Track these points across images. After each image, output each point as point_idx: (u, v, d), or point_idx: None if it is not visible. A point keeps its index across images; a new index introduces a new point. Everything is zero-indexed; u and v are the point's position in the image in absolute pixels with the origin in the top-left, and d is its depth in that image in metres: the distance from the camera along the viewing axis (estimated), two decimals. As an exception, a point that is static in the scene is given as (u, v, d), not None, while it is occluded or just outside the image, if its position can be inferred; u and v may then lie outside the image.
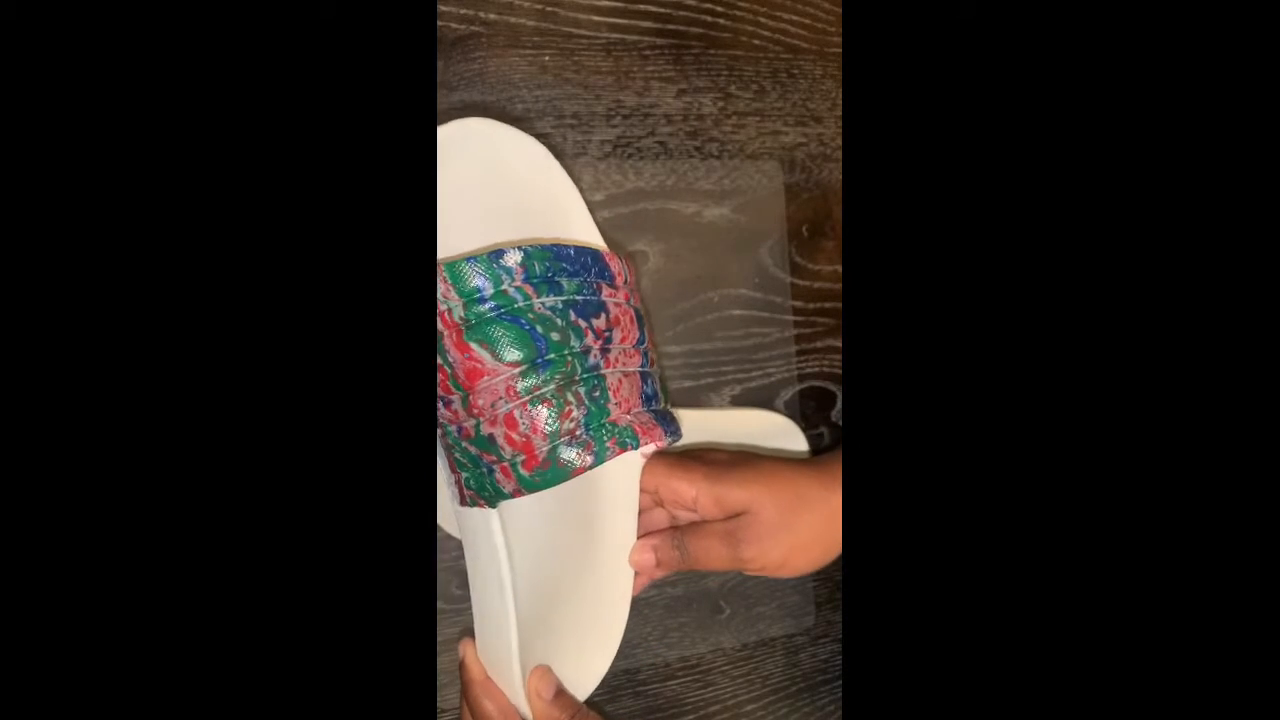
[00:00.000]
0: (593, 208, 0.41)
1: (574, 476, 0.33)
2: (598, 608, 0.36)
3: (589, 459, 0.33)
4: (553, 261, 0.33)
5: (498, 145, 0.35)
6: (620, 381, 0.34)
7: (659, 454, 0.36)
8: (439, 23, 0.39)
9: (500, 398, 0.32)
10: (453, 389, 0.33)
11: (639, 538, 0.36)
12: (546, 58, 0.41)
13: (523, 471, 0.33)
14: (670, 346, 0.44)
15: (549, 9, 0.41)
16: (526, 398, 0.32)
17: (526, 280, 0.32)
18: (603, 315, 0.34)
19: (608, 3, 0.42)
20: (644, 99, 0.43)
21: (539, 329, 0.32)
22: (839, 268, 0.47)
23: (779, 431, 0.45)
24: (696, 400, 0.45)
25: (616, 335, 0.34)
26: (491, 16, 0.40)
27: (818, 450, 0.47)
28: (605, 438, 0.33)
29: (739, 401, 0.46)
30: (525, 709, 0.34)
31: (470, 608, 0.37)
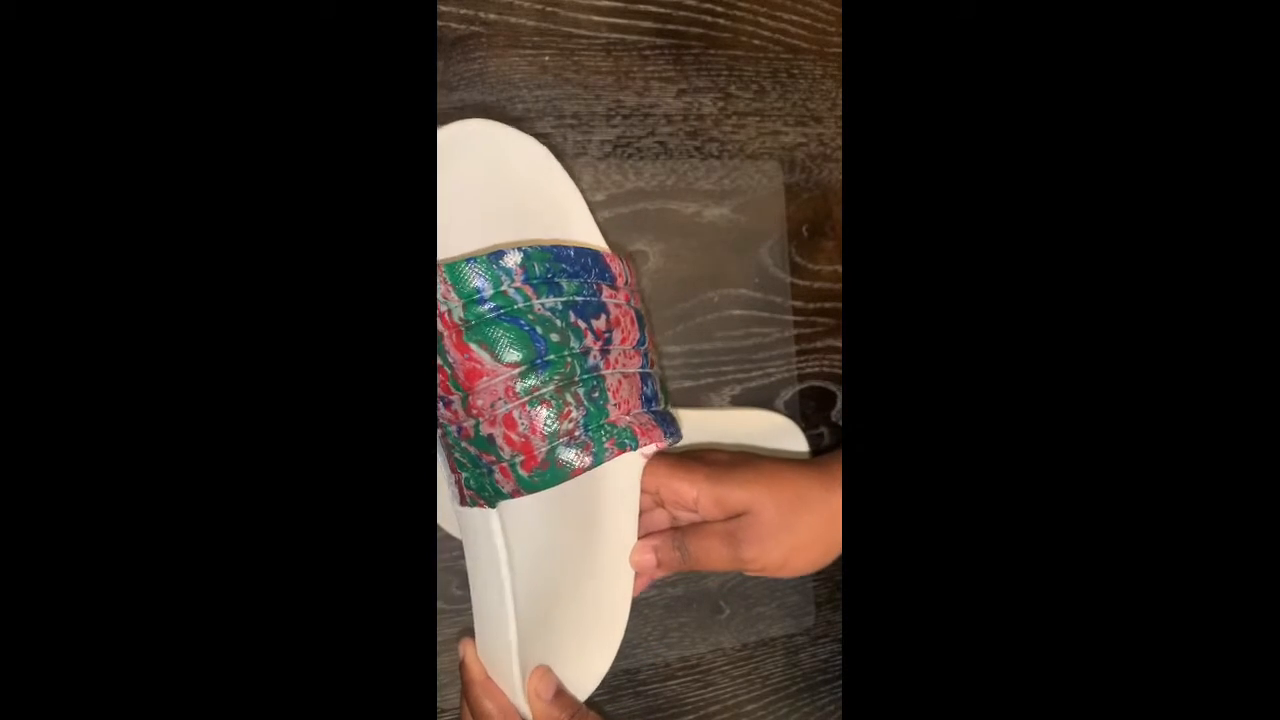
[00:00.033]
0: (593, 208, 0.41)
1: (573, 477, 0.33)
2: (598, 608, 0.36)
3: (588, 460, 0.33)
4: (553, 262, 0.33)
5: (498, 146, 0.35)
6: (620, 382, 0.34)
7: (660, 454, 0.36)
8: (439, 23, 0.39)
9: (499, 398, 0.32)
10: (453, 389, 0.33)
11: (640, 538, 0.36)
12: (546, 58, 0.41)
13: (521, 472, 0.33)
14: (670, 346, 0.44)
15: (549, 9, 0.41)
16: (525, 398, 0.32)
17: (526, 281, 0.32)
18: (603, 316, 0.34)
19: (608, 3, 0.42)
20: (644, 99, 0.43)
21: (538, 330, 0.32)
22: (839, 268, 0.47)
23: (779, 432, 0.45)
24: (696, 400, 0.45)
25: (616, 336, 0.34)
26: (491, 16, 0.40)
27: (818, 450, 0.47)
28: (604, 438, 0.33)
29: (739, 401, 0.46)
30: (525, 709, 0.34)
31: (470, 608, 0.37)
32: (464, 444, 0.34)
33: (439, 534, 0.39)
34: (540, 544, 0.34)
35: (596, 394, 0.33)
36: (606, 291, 0.35)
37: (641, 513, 0.37)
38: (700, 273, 0.44)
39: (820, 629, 0.49)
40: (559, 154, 0.41)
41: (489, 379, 0.32)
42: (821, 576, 0.48)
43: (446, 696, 0.41)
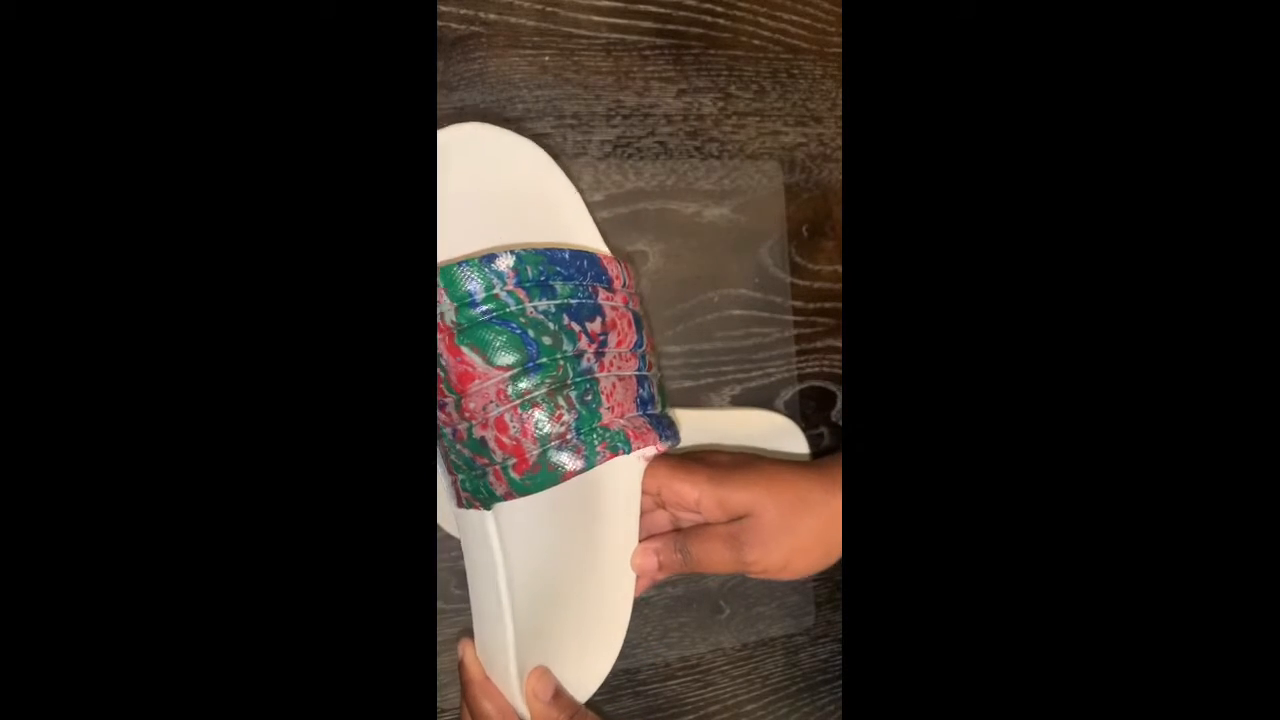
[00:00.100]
0: (592, 208, 0.41)
1: (564, 480, 0.33)
2: (599, 609, 0.36)
3: (579, 463, 0.33)
4: (546, 265, 0.33)
5: (495, 150, 0.35)
6: (614, 386, 0.34)
7: (661, 456, 0.36)
8: (439, 23, 0.39)
9: (491, 401, 0.32)
10: (446, 392, 0.33)
11: (641, 540, 0.36)
12: (546, 58, 0.41)
13: (513, 475, 0.33)
14: (670, 346, 0.44)
15: (549, 9, 0.41)
16: (517, 401, 0.32)
17: (519, 284, 0.32)
18: (598, 319, 0.34)
19: (608, 3, 0.42)
20: (644, 99, 0.43)
21: (530, 333, 0.32)
22: (839, 268, 0.47)
23: (779, 432, 0.45)
24: (696, 400, 0.45)
25: (612, 339, 0.34)
26: (491, 16, 0.40)
27: (818, 450, 0.47)
28: (596, 442, 0.33)
29: (739, 401, 0.46)
30: (523, 710, 0.34)
31: (470, 608, 0.37)
32: (458, 446, 0.34)
33: (439, 534, 0.39)
34: (538, 546, 0.34)
35: (589, 397, 0.33)
36: (603, 294, 0.34)
37: (643, 514, 0.37)
38: (700, 273, 0.44)
39: (820, 629, 0.49)
40: (559, 154, 0.41)
41: (481, 382, 0.32)
42: (821, 577, 0.48)
43: (446, 696, 0.41)
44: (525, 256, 0.32)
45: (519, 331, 0.32)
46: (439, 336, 0.32)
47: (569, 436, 0.33)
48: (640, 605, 0.44)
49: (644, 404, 0.36)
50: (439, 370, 0.33)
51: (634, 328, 0.36)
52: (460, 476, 0.34)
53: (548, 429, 0.33)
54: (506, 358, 0.32)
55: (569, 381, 0.33)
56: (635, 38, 0.42)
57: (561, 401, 0.33)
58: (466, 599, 0.37)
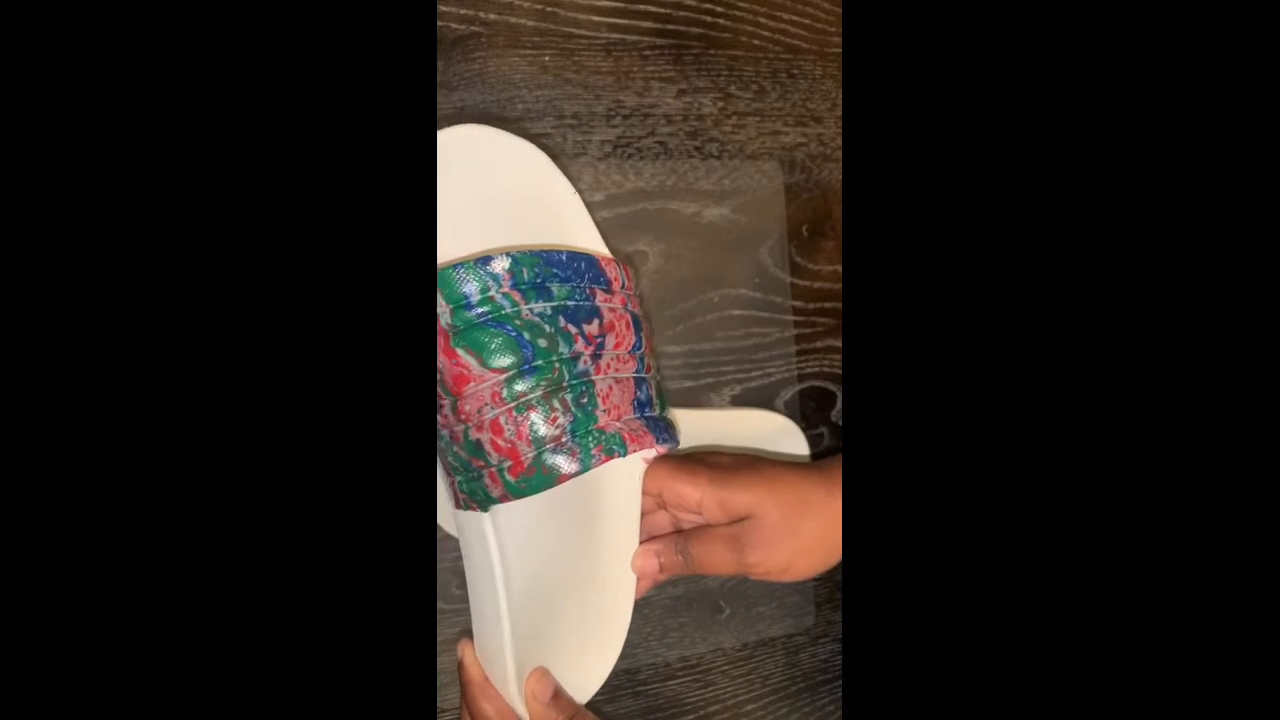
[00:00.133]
0: (593, 208, 0.41)
1: (559, 483, 0.33)
2: (600, 610, 0.36)
3: (574, 466, 0.33)
4: (542, 267, 0.33)
5: (493, 151, 0.35)
6: (611, 388, 0.34)
7: (663, 457, 0.36)
8: (439, 23, 0.39)
9: (487, 403, 0.32)
10: (443, 394, 0.33)
11: (642, 542, 0.36)
12: (546, 58, 0.41)
13: (509, 477, 0.33)
14: (670, 346, 0.44)
15: (549, 9, 0.41)
16: (512, 404, 0.32)
17: (514, 286, 0.32)
18: (595, 321, 0.34)
19: (608, 3, 0.42)
20: (644, 99, 0.43)
21: (526, 335, 0.32)
22: (839, 268, 0.47)
23: (779, 432, 0.45)
24: (696, 400, 0.45)
25: (610, 341, 0.34)
26: (491, 16, 0.40)
27: (817, 450, 0.47)
28: (591, 445, 0.33)
29: (739, 401, 0.46)
30: (522, 711, 0.34)
31: (470, 608, 0.37)
32: (455, 448, 0.34)
33: (439, 534, 0.39)
34: (536, 547, 0.34)
35: (585, 400, 0.33)
36: (600, 296, 0.34)
37: (644, 515, 0.37)
38: (700, 273, 0.44)
39: (820, 629, 0.49)
40: (559, 154, 0.41)
41: (476, 384, 0.32)
42: (821, 577, 0.48)
43: (446, 696, 0.41)
44: (521, 258, 0.32)
45: (514, 334, 0.32)
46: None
47: (564, 439, 0.33)
48: (640, 605, 0.44)
49: (641, 406, 0.36)
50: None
51: (632, 329, 0.36)
52: (457, 478, 0.34)
53: (543, 431, 0.33)
54: (502, 360, 0.32)
55: (565, 384, 0.33)
56: (635, 38, 0.42)
57: (557, 404, 0.33)
58: (466, 599, 0.37)
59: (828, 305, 0.47)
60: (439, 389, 0.33)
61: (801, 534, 0.35)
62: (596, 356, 0.34)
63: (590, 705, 0.35)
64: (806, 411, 0.47)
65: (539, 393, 0.32)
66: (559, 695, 0.34)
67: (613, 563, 0.36)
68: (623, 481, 0.35)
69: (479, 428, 0.33)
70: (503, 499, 0.33)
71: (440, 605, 0.41)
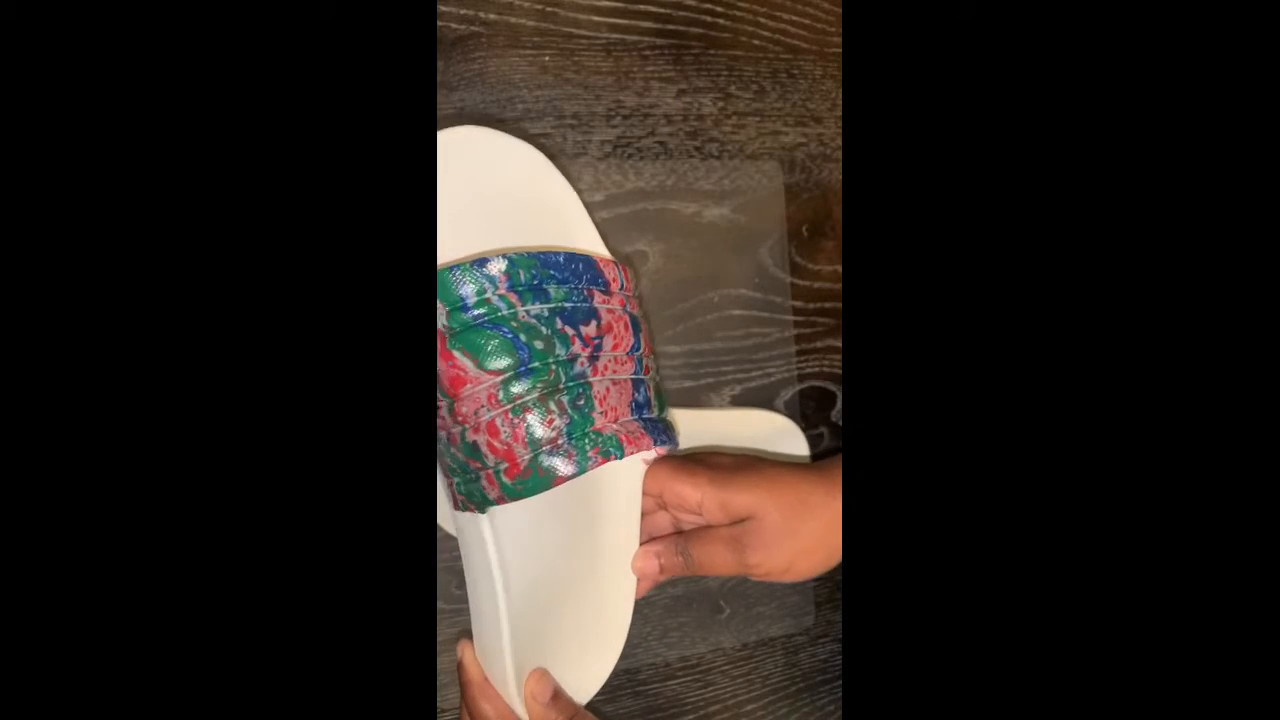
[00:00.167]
0: (593, 208, 0.41)
1: (555, 485, 0.33)
2: (600, 611, 0.36)
3: (571, 468, 0.33)
4: (539, 269, 0.33)
5: (491, 153, 0.34)
6: (608, 390, 0.34)
7: (664, 458, 0.36)
8: (439, 23, 0.39)
9: (483, 405, 0.32)
10: (440, 396, 0.33)
11: (642, 543, 0.36)
12: (546, 58, 0.41)
13: (505, 479, 0.33)
14: (670, 346, 0.44)
15: (549, 9, 0.41)
16: (508, 406, 0.32)
17: (511, 288, 0.32)
18: (593, 322, 0.34)
19: (608, 3, 0.42)
20: (644, 99, 0.43)
21: (522, 337, 0.32)
22: (839, 268, 0.47)
23: (779, 432, 0.45)
24: (696, 400, 0.45)
25: (608, 342, 0.34)
26: (491, 16, 0.40)
27: (817, 450, 0.47)
28: (588, 447, 0.33)
29: (739, 401, 0.46)
30: (521, 711, 0.34)
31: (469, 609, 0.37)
32: (453, 450, 0.34)
33: (439, 534, 0.39)
34: (535, 548, 0.34)
35: (581, 402, 0.33)
36: (599, 297, 0.34)
37: (644, 516, 0.37)
38: (700, 273, 0.44)
39: (820, 629, 0.49)
40: (559, 154, 0.41)
41: (473, 386, 0.32)
42: (821, 576, 0.48)
43: (446, 696, 0.41)
44: (518, 260, 0.32)
45: (511, 335, 0.32)
46: None
47: (560, 441, 0.33)
48: (640, 605, 0.44)
49: (639, 408, 0.35)
50: None
51: (631, 331, 0.35)
52: (455, 480, 0.34)
53: (539, 434, 0.33)
54: (498, 362, 0.32)
55: (561, 386, 0.33)
56: (635, 38, 0.42)
57: (553, 406, 0.33)
58: (466, 599, 0.37)
59: (828, 305, 0.47)
60: (436, 391, 0.33)
61: (802, 535, 0.35)
62: (594, 358, 0.34)
63: (590, 705, 0.35)
64: (806, 411, 0.47)
65: (535, 395, 0.32)
66: (558, 696, 0.34)
67: (613, 564, 0.36)
68: (623, 482, 0.35)
69: (476, 429, 0.33)
70: (499, 501, 0.33)
71: (440, 605, 0.41)
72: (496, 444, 0.32)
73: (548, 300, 0.33)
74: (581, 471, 0.33)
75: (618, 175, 0.42)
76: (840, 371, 0.48)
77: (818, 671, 0.49)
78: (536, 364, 0.32)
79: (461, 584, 0.39)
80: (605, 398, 0.34)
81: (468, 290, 0.32)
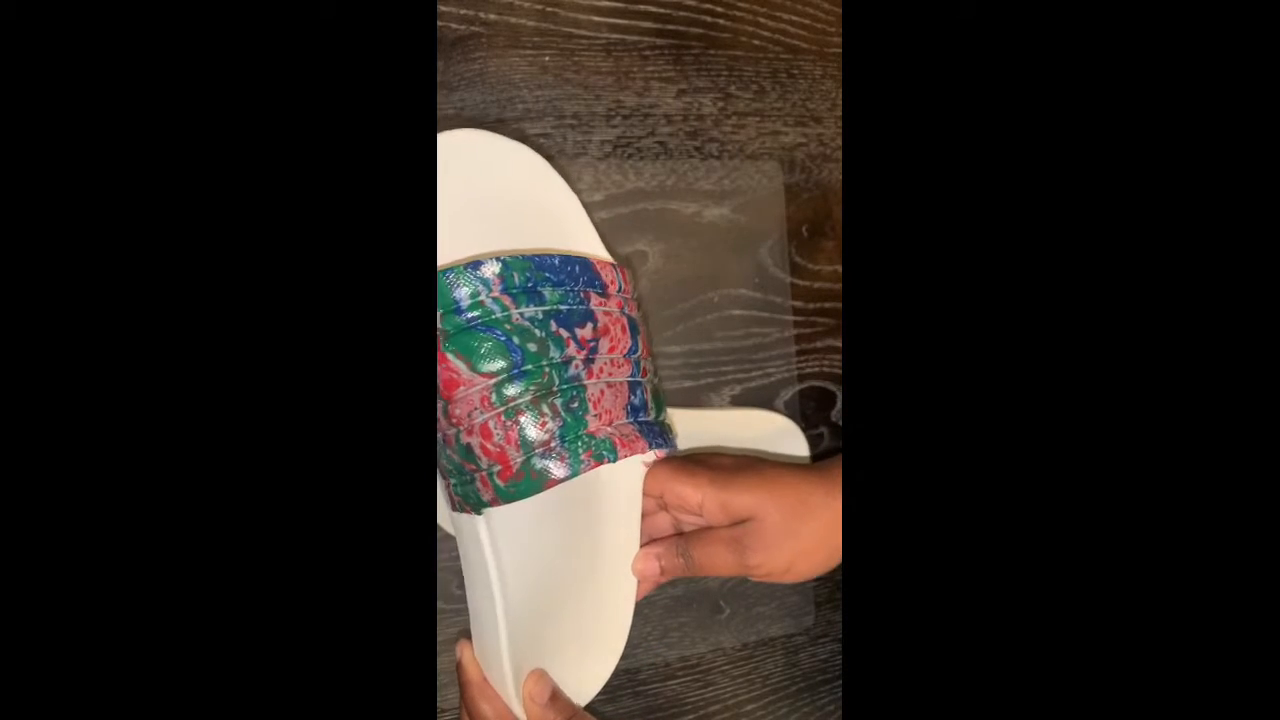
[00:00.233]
0: (593, 208, 0.41)
1: (548, 488, 0.33)
2: (600, 613, 0.36)
3: (563, 471, 0.33)
4: (534, 272, 0.33)
5: (491, 155, 0.34)
6: (602, 393, 0.34)
7: (664, 459, 0.36)
8: (439, 23, 0.39)
9: (476, 408, 0.32)
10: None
11: (643, 545, 0.36)
12: (546, 58, 0.41)
13: (498, 481, 0.33)
14: (670, 346, 0.44)
15: (549, 9, 0.41)
16: (502, 408, 0.32)
17: (505, 291, 0.32)
18: (589, 325, 0.34)
19: (608, 3, 0.42)
20: (644, 99, 0.43)
21: (516, 340, 0.32)
22: (839, 268, 0.47)
23: (779, 433, 0.45)
24: (696, 400, 0.45)
25: (604, 345, 0.34)
26: (491, 16, 0.40)
27: (817, 450, 0.47)
28: (580, 450, 0.33)
29: (739, 401, 0.46)
30: (520, 712, 0.34)
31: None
32: (448, 452, 0.34)
33: (439, 534, 0.39)
34: (533, 550, 0.34)
35: (575, 404, 0.33)
36: (595, 300, 0.34)
37: (645, 516, 0.37)
38: (700, 273, 0.44)
39: (820, 629, 0.49)
40: (559, 154, 0.41)
41: (466, 388, 0.32)
42: (821, 576, 0.48)
43: (446, 696, 0.41)
44: (512, 263, 0.32)
45: (504, 338, 0.32)
46: None
47: (553, 444, 0.33)
48: (640, 605, 0.44)
49: (635, 411, 0.35)
50: None
51: (628, 333, 0.35)
52: (452, 481, 0.34)
53: (532, 436, 0.33)
54: (491, 364, 0.32)
55: (555, 388, 0.33)
56: (635, 38, 0.42)
57: (546, 409, 0.33)
58: (466, 599, 0.37)
59: (828, 305, 0.47)
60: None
61: (802, 535, 0.35)
62: (589, 361, 0.34)
63: (590, 706, 0.35)
64: (806, 411, 0.47)
65: (528, 397, 0.32)
66: (557, 697, 0.34)
67: (613, 565, 0.36)
68: (623, 484, 0.35)
69: (469, 432, 0.33)
70: (493, 503, 0.33)
71: (440, 605, 0.41)
72: (490, 446, 0.32)
73: (542, 303, 0.33)
74: (574, 474, 0.33)
75: (618, 175, 0.42)
76: (840, 371, 0.48)
77: (818, 671, 0.49)
78: (530, 366, 0.32)
79: (461, 584, 0.39)
80: (600, 400, 0.34)
81: (462, 293, 0.32)
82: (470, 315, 0.32)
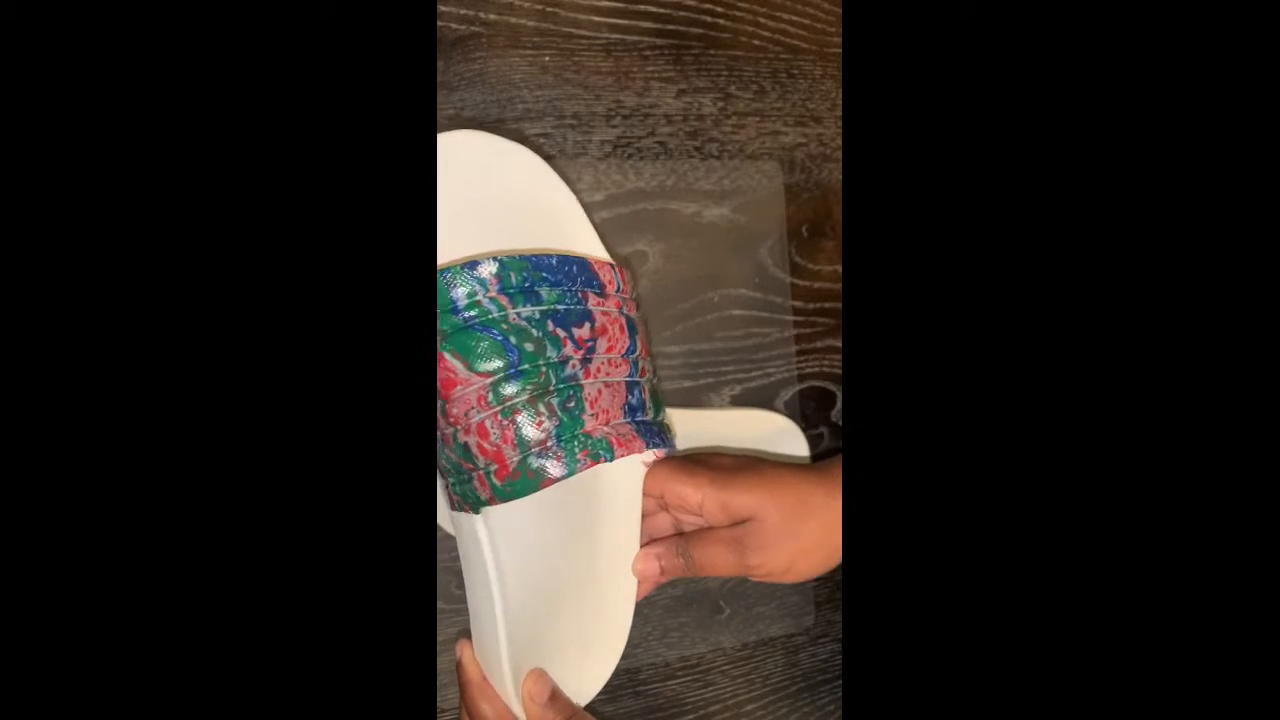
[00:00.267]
0: (592, 208, 0.41)
1: (544, 487, 0.33)
2: (600, 613, 0.36)
3: (559, 470, 0.33)
4: (531, 272, 0.33)
5: (490, 156, 0.35)
6: (600, 392, 0.34)
7: (664, 459, 0.36)
8: (439, 23, 0.39)
9: (473, 407, 0.32)
10: None
11: (643, 545, 0.36)
12: (546, 58, 0.41)
13: (495, 480, 0.33)
14: (670, 346, 0.44)
15: (549, 9, 0.41)
16: (498, 407, 0.32)
17: (501, 291, 0.32)
18: (586, 324, 0.34)
19: (608, 3, 0.42)
20: (644, 99, 0.43)
21: (512, 339, 0.32)
22: (839, 268, 0.47)
23: (779, 433, 0.45)
24: (696, 400, 0.45)
25: (601, 345, 0.34)
26: (491, 16, 0.40)
27: (817, 450, 0.47)
28: (577, 449, 0.33)
29: (739, 401, 0.46)
30: (520, 712, 0.34)
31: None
32: (446, 451, 0.34)
33: (439, 534, 0.39)
34: (533, 549, 0.34)
35: (572, 404, 0.33)
36: (593, 299, 0.34)
37: (645, 516, 0.37)
38: (700, 273, 0.44)
39: (820, 629, 0.49)
40: (559, 154, 0.41)
41: (463, 388, 0.32)
42: (821, 576, 0.48)
43: (446, 696, 0.41)
44: (509, 263, 0.32)
45: (501, 338, 0.32)
46: None
47: (549, 443, 0.33)
48: (640, 605, 0.44)
49: (632, 411, 0.35)
50: None
51: (626, 333, 0.35)
52: (450, 480, 0.34)
53: (528, 435, 0.33)
54: (488, 364, 0.32)
55: (551, 388, 0.33)
56: (635, 38, 0.42)
57: (543, 408, 0.33)
58: (466, 599, 0.37)
59: (828, 305, 0.47)
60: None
61: (803, 535, 0.35)
62: (586, 360, 0.34)
63: (590, 705, 0.35)
64: (806, 411, 0.47)
65: (525, 396, 0.32)
66: (556, 696, 0.34)
67: (613, 565, 0.36)
68: (623, 484, 0.35)
69: (466, 431, 0.33)
70: (491, 502, 0.33)
71: (440, 605, 0.41)
72: (486, 445, 0.33)
73: (539, 302, 0.33)
74: (571, 473, 0.33)
75: (618, 175, 0.42)
76: (840, 371, 0.48)
77: (818, 671, 0.49)
78: (527, 366, 0.32)
79: (461, 584, 0.39)
80: (597, 400, 0.34)
81: (459, 292, 0.32)
82: (467, 315, 0.32)
